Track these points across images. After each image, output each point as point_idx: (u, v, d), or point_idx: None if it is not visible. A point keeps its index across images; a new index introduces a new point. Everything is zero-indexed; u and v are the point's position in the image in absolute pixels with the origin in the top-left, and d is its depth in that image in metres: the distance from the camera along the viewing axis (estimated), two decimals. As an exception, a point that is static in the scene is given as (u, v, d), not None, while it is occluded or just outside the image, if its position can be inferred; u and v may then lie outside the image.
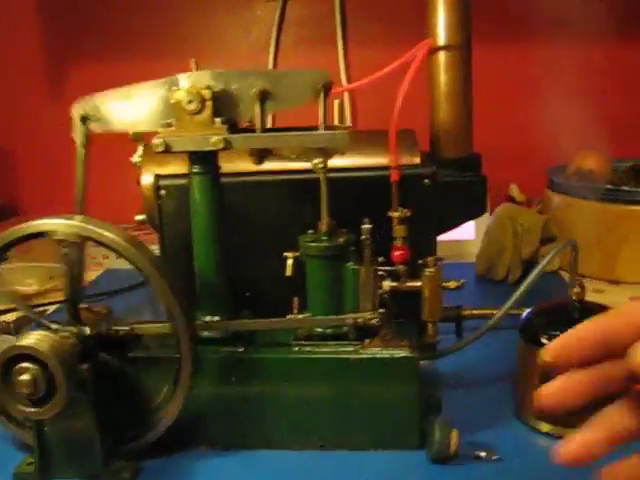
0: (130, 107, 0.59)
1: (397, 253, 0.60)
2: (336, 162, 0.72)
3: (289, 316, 0.61)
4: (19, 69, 1.33)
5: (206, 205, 0.60)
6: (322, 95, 0.56)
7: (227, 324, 0.61)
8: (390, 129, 0.63)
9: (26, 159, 1.41)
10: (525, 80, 1.26)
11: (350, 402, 0.59)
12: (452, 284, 0.60)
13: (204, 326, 0.61)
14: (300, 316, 0.61)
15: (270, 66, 1.24)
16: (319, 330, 0.61)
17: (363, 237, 0.56)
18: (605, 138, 1.24)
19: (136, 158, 0.76)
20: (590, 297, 1.01)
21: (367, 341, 0.59)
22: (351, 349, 0.59)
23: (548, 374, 0.63)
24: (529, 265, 1.05)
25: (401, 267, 0.60)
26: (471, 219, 0.77)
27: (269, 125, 0.82)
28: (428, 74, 0.76)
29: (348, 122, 0.78)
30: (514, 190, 1.24)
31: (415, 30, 1.30)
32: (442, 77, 0.75)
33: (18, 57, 1.32)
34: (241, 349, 0.61)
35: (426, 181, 0.73)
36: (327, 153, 0.55)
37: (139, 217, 0.78)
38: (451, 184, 0.74)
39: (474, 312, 0.75)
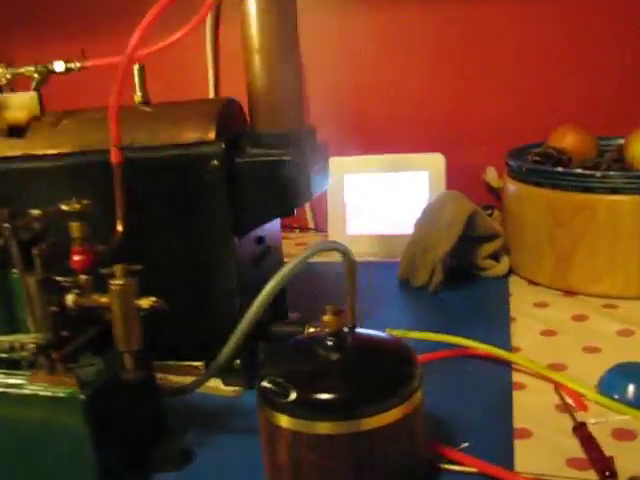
0: None
1: (76, 258, 0.45)
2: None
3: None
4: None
5: None
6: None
7: None
8: (111, 100, 0.49)
9: None
10: (511, 44, 1.04)
11: (22, 443, 0.46)
12: (145, 302, 0.44)
13: None
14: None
15: (208, 45, 1.12)
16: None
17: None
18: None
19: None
20: (529, 312, 0.79)
21: (33, 372, 0.45)
22: (14, 381, 0.46)
23: (275, 440, 0.45)
24: (463, 268, 0.85)
25: (83, 277, 0.45)
26: (285, 213, 0.60)
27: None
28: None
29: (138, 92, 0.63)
30: (490, 174, 1.02)
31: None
32: (252, 30, 0.59)
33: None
34: None
35: (214, 162, 0.57)
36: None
37: None
38: (251, 166, 0.58)
39: (285, 329, 0.58)
